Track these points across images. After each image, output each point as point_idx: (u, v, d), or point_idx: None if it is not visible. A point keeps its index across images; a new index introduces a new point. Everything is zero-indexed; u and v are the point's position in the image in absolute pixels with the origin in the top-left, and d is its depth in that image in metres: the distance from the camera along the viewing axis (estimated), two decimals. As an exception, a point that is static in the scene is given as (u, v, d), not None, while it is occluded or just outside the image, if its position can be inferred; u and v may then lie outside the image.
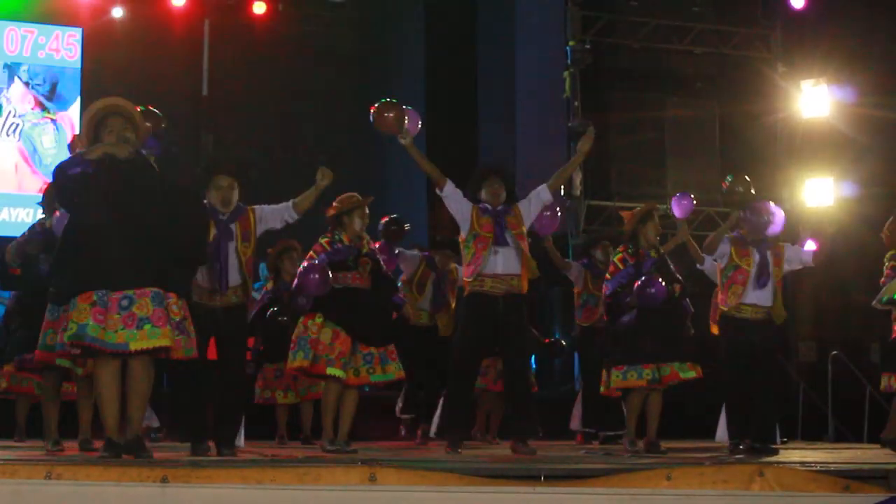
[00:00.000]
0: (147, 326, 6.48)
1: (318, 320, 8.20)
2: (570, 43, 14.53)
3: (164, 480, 5.76)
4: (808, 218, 12.29)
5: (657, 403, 9.15)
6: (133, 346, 6.47)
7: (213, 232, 7.70)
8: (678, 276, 9.25)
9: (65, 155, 15.56)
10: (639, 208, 9.50)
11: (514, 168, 15.85)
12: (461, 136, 16.71)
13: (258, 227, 7.94)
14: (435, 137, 16.47)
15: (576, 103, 14.44)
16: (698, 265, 9.40)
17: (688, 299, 9.49)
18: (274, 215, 8.03)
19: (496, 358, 9.89)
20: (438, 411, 8.57)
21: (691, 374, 9.03)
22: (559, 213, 9.74)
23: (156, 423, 10.29)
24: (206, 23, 16.13)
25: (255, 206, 8.01)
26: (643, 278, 8.90)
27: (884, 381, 9.49)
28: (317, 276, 8.07)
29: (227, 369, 7.89)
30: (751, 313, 8.89)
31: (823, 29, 15.18)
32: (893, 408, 9.24)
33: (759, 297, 8.88)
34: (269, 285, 10.56)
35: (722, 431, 9.46)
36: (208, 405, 7.94)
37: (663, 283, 8.90)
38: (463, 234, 8.57)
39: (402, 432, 10.90)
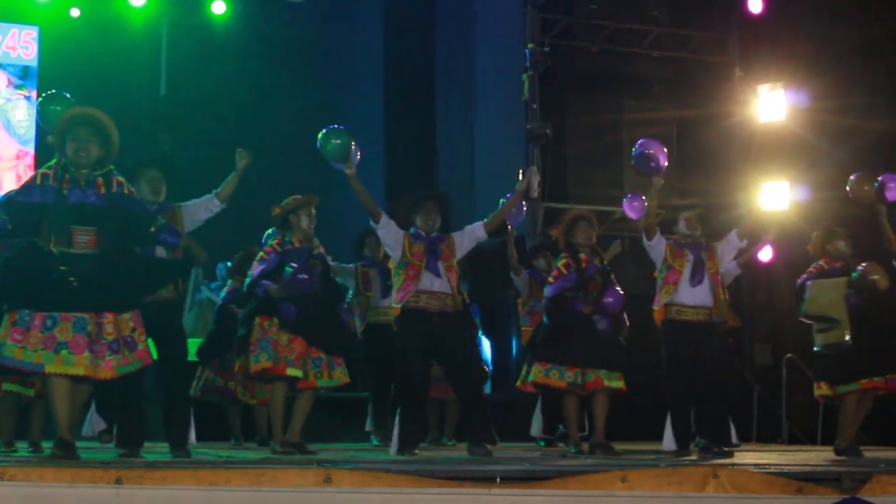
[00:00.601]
0: (63, 352, 6.55)
1: (277, 321, 8.19)
2: (529, 45, 14.53)
3: (118, 482, 5.74)
4: (764, 221, 12.32)
5: (602, 405, 9.18)
6: (48, 370, 6.55)
7: None
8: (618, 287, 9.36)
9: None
10: (564, 217, 9.63)
11: (472, 168, 15.91)
12: (420, 137, 16.72)
13: (185, 222, 7.94)
14: (393, 137, 16.52)
15: (534, 106, 14.44)
16: (646, 241, 9.26)
17: (625, 314, 9.54)
18: (197, 207, 8.03)
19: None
20: (396, 430, 8.55)
21: (618, 384, 9.14)
22: (524, 206, 9.81)
23: (103, 426, 10.23)
24: (164, 22, 16.06)
25: (181, 203, 8.02)
26: (609, 288, 9.07)
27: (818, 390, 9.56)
28: (305, 276, 8.12)
29: (169, 367, 7.83)
30: (692, 315, 8.95)
31: (780, 34, 15.28)
32: (842, 416, 9.34)
33: (697, 296, 8.95)
34: (231, 286, 10.58)
35: (669, 438, 9.56)
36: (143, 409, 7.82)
37: (620, 291, 9.04)
38: (394, 261, 8.56)
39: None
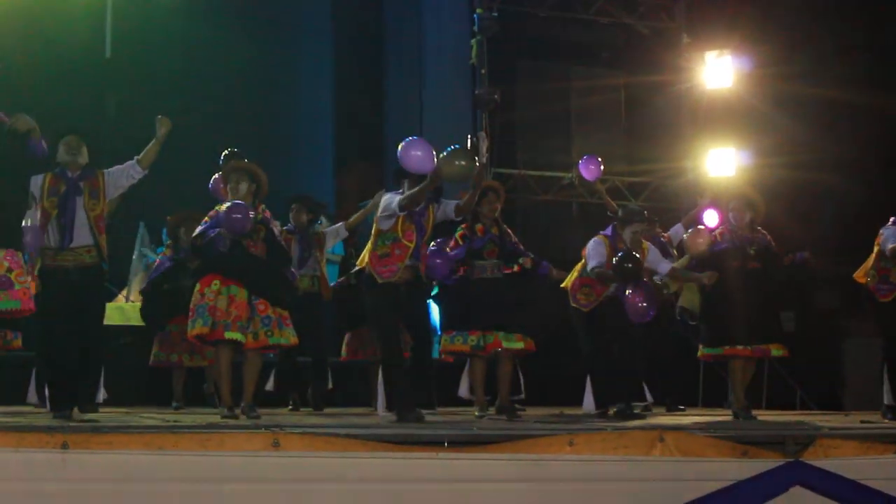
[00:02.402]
0: None
1: (215, 287, 8.27)
2: (478, 10, 14.49)
3: (65, 446, 5.71)
4: (709, 187, 12.42)
5: (506, 370, 9.38)
6: None
7: (62, 188, 7.82)
8: (521, 247, 9.58)
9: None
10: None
11: (420, 133, 15.85)
12: (368, 102, 16.63)
13: (108, 189, 8.01)
14: (342, 103, 16.42)
15: (482, 71, 14.41)
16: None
17: (545, 263, 9.67)
18: (119, 174, 8.12)
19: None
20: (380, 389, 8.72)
21: (518, 346, 9.24)
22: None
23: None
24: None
25: (105, 170, 8.05)
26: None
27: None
28: (240, 215, 8.13)
29: (85, 329, 7.86)
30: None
31: (726, 0, 15.33)
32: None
33: None
34: (167, 252, 10.55)
35: (588, 400, 9.78)
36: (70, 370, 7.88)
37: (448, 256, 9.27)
38: (382, 227, 8.45)
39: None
